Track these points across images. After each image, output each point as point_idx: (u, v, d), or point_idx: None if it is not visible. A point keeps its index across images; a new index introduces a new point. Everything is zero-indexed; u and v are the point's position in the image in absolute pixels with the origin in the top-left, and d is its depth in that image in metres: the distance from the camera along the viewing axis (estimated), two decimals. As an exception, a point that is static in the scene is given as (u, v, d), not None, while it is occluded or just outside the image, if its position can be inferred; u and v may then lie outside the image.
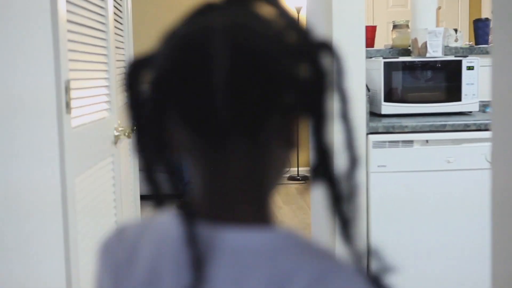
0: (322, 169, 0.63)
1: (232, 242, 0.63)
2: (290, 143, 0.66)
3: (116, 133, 2.45)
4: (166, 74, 0.62)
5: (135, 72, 0.67)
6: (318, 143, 0.62)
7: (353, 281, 0.61)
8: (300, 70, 0.63)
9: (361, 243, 0.63)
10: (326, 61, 0.63)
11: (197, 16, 0.65)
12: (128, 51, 3.15)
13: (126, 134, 2.49)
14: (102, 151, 2.27)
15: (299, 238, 0.65)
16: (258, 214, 0.66)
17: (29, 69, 1.66)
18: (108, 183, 2.36)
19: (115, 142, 2.45)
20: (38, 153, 1.69)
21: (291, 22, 0.64)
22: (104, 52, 2.36)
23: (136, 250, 0.70)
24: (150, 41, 0.89)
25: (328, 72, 0.62)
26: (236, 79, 0.60)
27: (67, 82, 1.79)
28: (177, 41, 0.63)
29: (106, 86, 2.38)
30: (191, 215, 0.64)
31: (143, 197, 3.11)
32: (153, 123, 0.65)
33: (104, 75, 2.36)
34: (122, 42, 2.96)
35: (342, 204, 0.63)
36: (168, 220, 0.68)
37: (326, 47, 0.63)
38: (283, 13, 0.65)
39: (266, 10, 0.65)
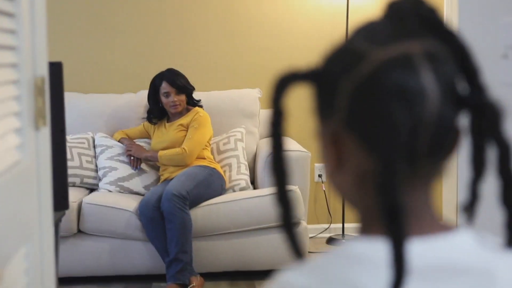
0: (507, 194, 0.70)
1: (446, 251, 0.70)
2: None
3: None
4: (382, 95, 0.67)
5: (284, 86, 0.72)
6: (501, 169, 0.70)
7: None
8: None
9: None
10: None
11: (369, 36, 0.70)
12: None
13: None
14: None
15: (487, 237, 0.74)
16: (442, 222, 0.74)
17: None
18: None
19: None
20: None
21: (459, 48, 0.71)
22: None
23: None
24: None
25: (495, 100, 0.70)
26: (442, 108, 0.68)
27: None
28: (378, 66, 0.68)
29: None
30: (402, 234, 0.65)
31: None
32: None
33: None
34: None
35: None
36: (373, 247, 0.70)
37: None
38: (450, 36, 0.71)
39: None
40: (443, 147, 0.71)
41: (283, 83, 0.72)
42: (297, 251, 0.74)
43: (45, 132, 1.33)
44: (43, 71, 1.31)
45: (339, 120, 0.71)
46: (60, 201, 2.03)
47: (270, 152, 0.73)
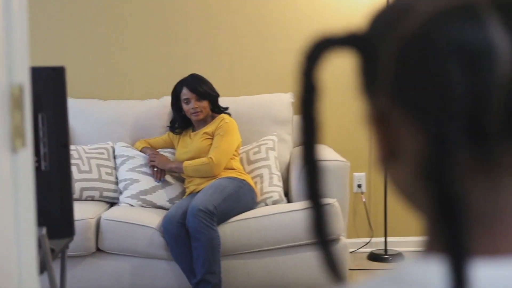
0: None
1: None
2: None
3: None
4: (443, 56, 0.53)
5: (317, 54, 0.59)
6: None
7: None
8: None
9: None
10: None
11: None
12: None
13: None
14: None
15: None
16: None
17: None
18: None
19: None
20: None
21: None
22: None
23: None
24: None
25: None
26: None
27: None
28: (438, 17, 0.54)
29: None
30: (460, 241, 0.50)
31: None
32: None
33: None
34: None
35: None
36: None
37: None
38: None
39: None
40: None
41: (317, 51, 0.60)
42: (335, 271, 0.62)
43: (26, 155, 1.05)
44: (23, 78, 1.03)
45: (384, 92, 0.59)
46: (65, 228, 1.77)
47: (302, 142, 0.60)
